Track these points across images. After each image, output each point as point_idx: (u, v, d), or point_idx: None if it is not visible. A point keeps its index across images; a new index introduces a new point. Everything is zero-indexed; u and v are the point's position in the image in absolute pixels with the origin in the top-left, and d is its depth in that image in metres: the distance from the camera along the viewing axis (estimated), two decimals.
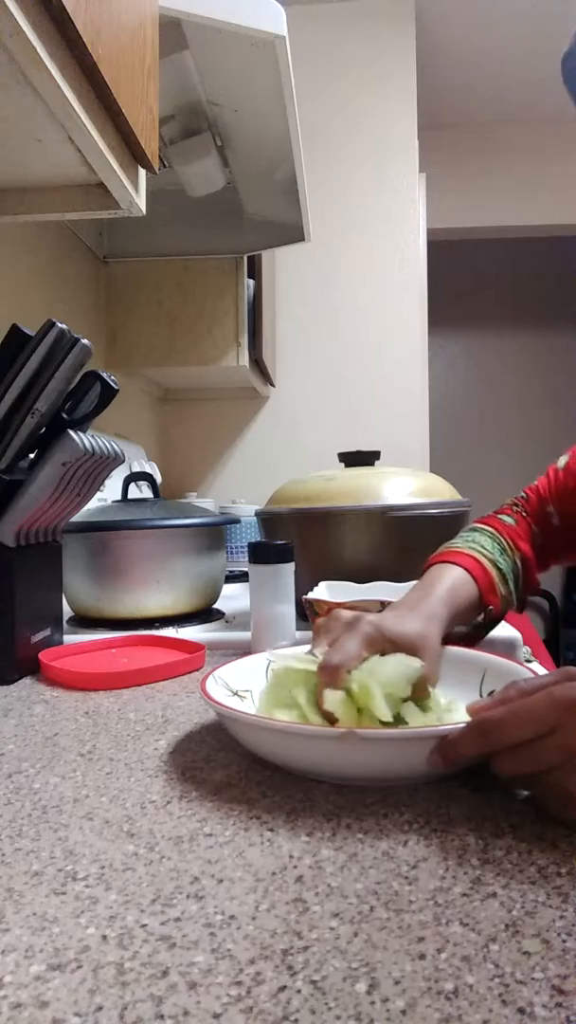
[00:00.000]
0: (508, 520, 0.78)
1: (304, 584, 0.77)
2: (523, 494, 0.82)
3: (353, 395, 2.22)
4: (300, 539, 0.84)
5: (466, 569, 0.68)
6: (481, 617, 0.70)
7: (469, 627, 0.71)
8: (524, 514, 0.80)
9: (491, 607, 0.69)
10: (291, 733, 0.42)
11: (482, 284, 4.02)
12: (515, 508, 0.80)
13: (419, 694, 0.48)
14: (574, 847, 0.35)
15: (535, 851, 0.34)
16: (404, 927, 0.29)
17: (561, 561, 0.80)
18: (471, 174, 3.05)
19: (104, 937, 0.28)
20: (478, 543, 0.73)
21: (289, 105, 1.07)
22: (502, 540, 0.75)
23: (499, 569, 0.71)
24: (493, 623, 0.72)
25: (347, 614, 0.55)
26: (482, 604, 0.68)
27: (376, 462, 1.01)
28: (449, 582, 0.65)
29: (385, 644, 0.51)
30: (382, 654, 0.51)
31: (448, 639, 0.69)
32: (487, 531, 0.76)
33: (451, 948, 0.27)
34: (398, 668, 0.47)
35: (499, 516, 0.79)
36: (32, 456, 0.71)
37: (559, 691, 0.36)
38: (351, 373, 2.22)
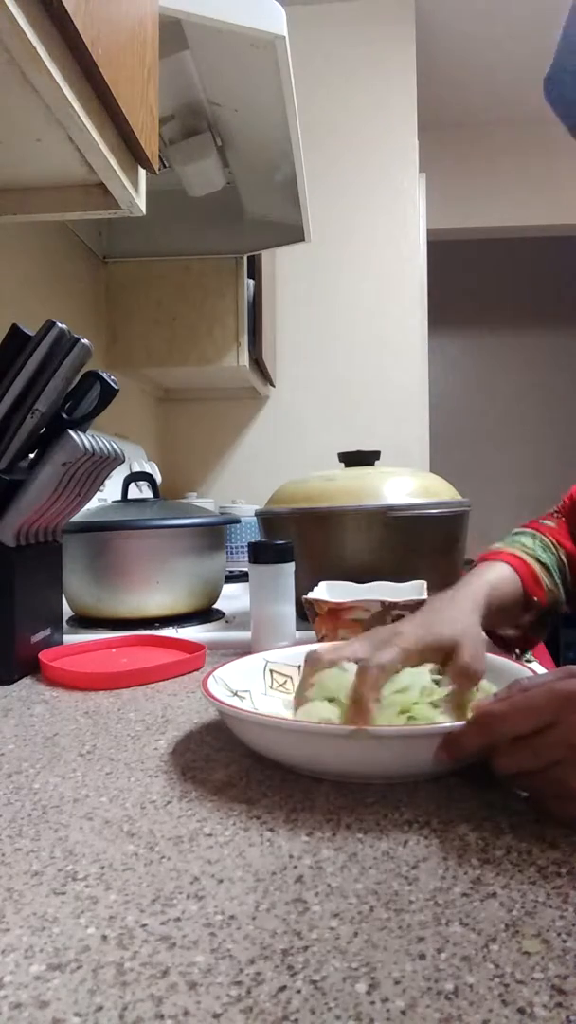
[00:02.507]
0: (549, 523, 0.80)
1: (304, 584, 0.77)
2: (561, 501, 0.83)
3: (353, 395, 2.22)
4: (300, 539, 0.84)
5: (507, 563, 0.69)
6: (531, 613, 0.69)
7: (523, 624, 0.71)
8: (562, 517, 0.81)
9: (536, 598, 0.68)
10: (300, 732, 0.42)
11: (482, 284, 4.02)
12: (554, 514, 0.82)
13: (458, 697, 0.48)
14: (574, 847, 0.35)
15: (535, 851, 0.34)
16: (404, 927, 0.29)
17: None
18: (471, 174, 3.05)
19: (104, 937, 0.28)
20: (518, 542, 0.74)
21: (289, 105, 1.07)
22: (543, 538, 0.76)
23: (541, 563, 0.72)
24: (545, 619, 0.72)
25: (387, 629, 0.54)
26: (526, 597, 0.68)
27: (376, 462, 1.01)
28: (489, 576, 0.65)
29: (421, 655, 0.50)
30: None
31: (504, 643, 0.69)
32: (527, 532, 0.77)
33: (451, 948, 0.27)
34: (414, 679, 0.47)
35: (540, 521, 0.81)
36: (32, 456, 0.71)
37: (559, 685, 0.37)
38: (351, 373, 2.22)
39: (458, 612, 0.57)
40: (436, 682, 0.48)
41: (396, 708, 0.45)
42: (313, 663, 0.51)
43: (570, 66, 0.50)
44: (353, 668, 0.49)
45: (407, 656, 0.50)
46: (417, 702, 0.45)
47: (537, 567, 0.71)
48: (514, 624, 0.69)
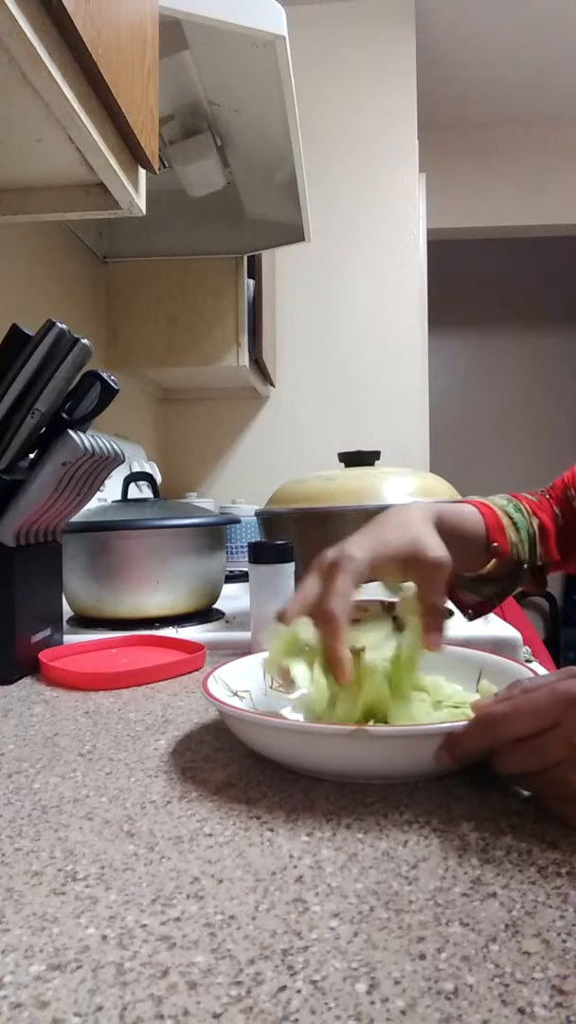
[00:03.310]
0: (530, 496, 0.78)
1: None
2: (550, 484, 0.82)
3: (353, 395, 2.22)
4: (300, 539, 0.84)
5: (472, 506, 0.67)
6: (491, 565, 0.67)
7: (480, 592, 0.69)
8: (547, 497, 0.80)
9: (496, 544, 0.66)
10: (299, 731, 0.42)
11: (482, 284, 4.02)
12: (541, 492, 0.80)
13: (427, 590, 0.48)
14: (574, 847, 0.35)
15: (535, 851, 0.34)
16: (404, 927, 0.29)
17: None
18: (471, 174, 3.05)
19: (104, 937, 0.28)
20: (491, 499, 0.72)
21: (289, 105, 1.07)
22: (519, 503, 0.74)
23: (510, 518, 0.69)
24: (505, 579, 0.69)
25: (329, 555, 0.52)
26: (487, 543, 0.66)
27: (376, 462, 1.01)
28: (455, 508, 0.63)
29: (374, 571, 0.49)
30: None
31: (457, 602, 0.67)
32: (504, 495, 0.75)
33: (451, 948, 0.27)
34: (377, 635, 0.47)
35: (523, 493, 0.79)
36: (32, 456, 0.71)
37: (562, 686, 0.36)
38: (351, 373, 2.22)
39: (408, 518, 0.55)
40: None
41: (380, 675, 0.45)
42: (284, 619, 0.49)
43: None
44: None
45: (360, 576, 0.48)
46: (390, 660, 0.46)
47: (504, 519, 0.68)
48: (470, 566, 0.67)
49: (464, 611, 0.71)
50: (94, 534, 0.88)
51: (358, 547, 0.51)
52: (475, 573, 0.67)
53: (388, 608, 0.70)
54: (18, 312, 1.19)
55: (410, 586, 0.51)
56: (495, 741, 0.38)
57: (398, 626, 0.50)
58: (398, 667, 0.47)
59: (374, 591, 0.79)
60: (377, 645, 0.47)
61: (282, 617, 0.49)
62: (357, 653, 0.45)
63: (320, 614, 0.47)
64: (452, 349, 4.00)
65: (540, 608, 3.86)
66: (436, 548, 0.51)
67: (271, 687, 0.57)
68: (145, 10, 0.78)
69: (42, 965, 0.27)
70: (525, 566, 0.71)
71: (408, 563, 0.51)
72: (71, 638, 0.81)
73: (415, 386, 2.23)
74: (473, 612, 0.71)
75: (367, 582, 0.49)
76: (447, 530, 0.58)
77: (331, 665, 0.46)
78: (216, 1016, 0.24)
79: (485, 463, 3.93)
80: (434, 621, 0.49)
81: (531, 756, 0.37)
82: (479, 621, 0.86)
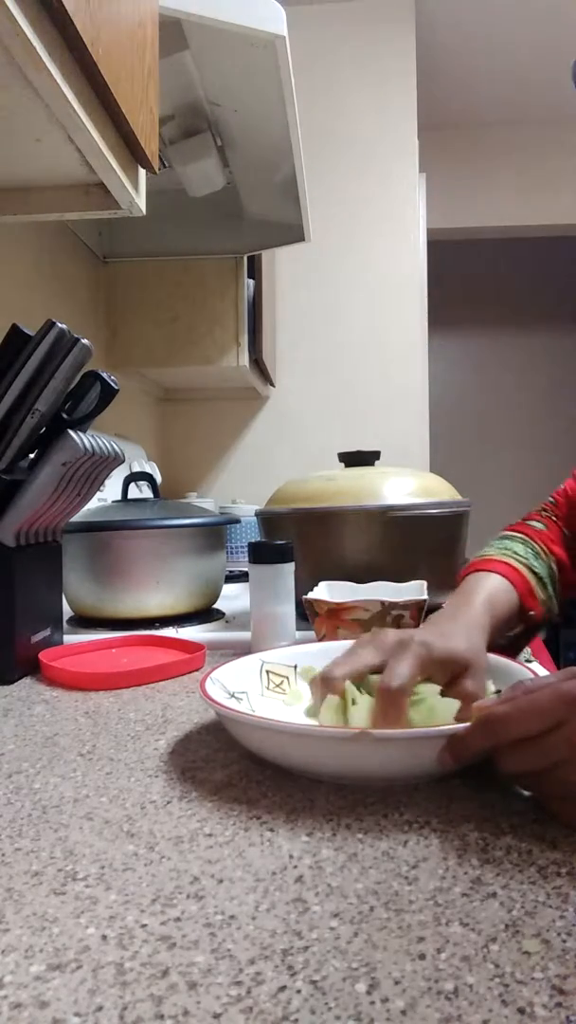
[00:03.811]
0: (538, 525, 0.78)
1: (304, 584, 0.77)
2: (551, 499, 0.81)
3: (353, 395, 2.22)
4: (300, 539, 0.84)
5: (503, 576, 0.67)
6: (521, 627, 0.68)
7: (511, 636, 0.69)
8: (554, 518, 0.79)
9: (532, 612, 0.67)
10: (302, 735, 0.42)
11: (482, 284, 4.02)
12: (544, 513, 0.80)
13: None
14: (574, 847, 0.35)
15: (535, 851, 0.34)
16: (404, 927, 0.29)
17: None
18: (471, 174, 3.05)
19: (104, 937, 0.28)
20: (511, 549, 0.72)
21: (289, 105, 1.07)
22: (535, 545, 0.74)
23: (535, 574, 0.70)
24: (535, 630, 0.71)
25: (395, 633, 0.51)
26: (522, 610, 0.67)
27: (376, 462, 1.01)
28: (488, 591, 0.64)
29: (436, 666, 0.49)
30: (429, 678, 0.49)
31: (490, 649, 0.68)
32: (519, 537, 0.75)
33: (451, 948, 0.27)
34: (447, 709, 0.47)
35: (528, 522, 0.79)
36: (32, 456, 0.71)
37: (565, 687, 0.36)
38: (351, 373, 2.22)
39: (466, 629, 0.55)
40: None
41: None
42: (328, 686, 0.48)
43: None
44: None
45: (422, 664, 0.48)
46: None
47: (532, 579, 0.69)
48: (506, 633, 0.68)
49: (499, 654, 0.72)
50: (94, 534, 0.88)
51: (422, 643, 0.49)
52: (509, 635, 0.69)
53: (388, 608, 0.70)
54: (18, 312, 1.19)
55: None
56: (498, 741, 0.38)
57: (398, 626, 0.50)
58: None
59: (375, 591, 0.79)
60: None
61: (329, 681, 0.48)
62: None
63: (386, 693, 0.45)
64: (452, 349, 4.00)
65: None
66: (478, 679, 0.50)
67: (268, 688, 0.57)
68: (145, 10, 0.78)
69: (42, 965, 0.27)
70: (555, 611, 0.72)
71: (461, 672, 0.51)
72: (71, 638, 0.81)
73: (415, 386, 2.22)
74: (508, 653, 0.72)
75: (425, 675, 0.49)
76: (500, 623, 0.61)
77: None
78: (216, 1016, 0.24)
79: (485, 463, 3.93)
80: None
81: (533, 756, 0.37)
82: None
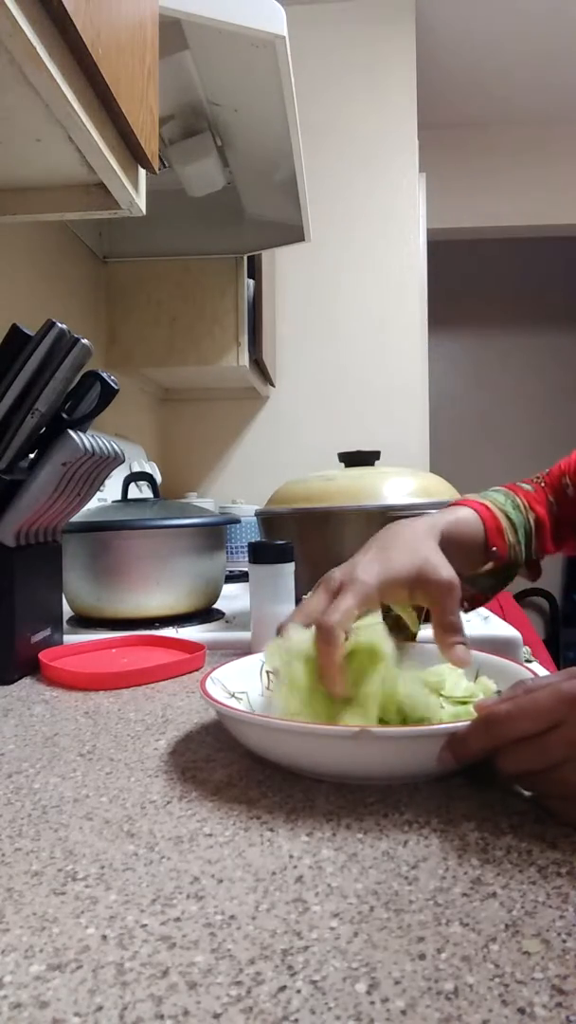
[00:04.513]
0: (526, 487, 0.78)
1: (304, 584, 0.77)
2: (546, 470, 0.82)
3: (353, 395, 2.22)
4: (300, 539, 0.84)
5: (471, 508, 0.67)
6: (489, 566, 0.68)
7: (477, 585, 0.69)
8: (543, 484, 0.79)
9: (495, 548, 0.67)
10: (300, 733, 0.42)
11: (482, 284, 4.02)
12: (535, 479, 0.80)
13: (443, 617, 0.49)
14: (574, 847, 0.35)
15: (535, 851, 0.34)
16: (404, 927, 0.29)
17: None
18: (471, 174, 3.05)
19: (104, 937, 0.28)
20: (490, 496, 0.72)
21: (289, 105, 1.07)
22: (516, 498, 0.74)
23: (509, 519, 0.70)
24: (499, 580, 0.70)
25: (339, 572, 0.52)
26: (487, 546, 0.66)
27: (376, 462, 1.01)
28: (450, 515, 0.64)
29: (381, 595, 0.50)
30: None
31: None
32: (502, 490, 0.75)
33: (451, 948, 0.27)
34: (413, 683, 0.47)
35: (519, 484, 0.79)
36: (32, 456, 0.71)
37: (566, 686, 0.36)
38: (351, 373, 2.22)
39: (413, 537, 0.55)
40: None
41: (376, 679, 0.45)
42: (278, 632, 0.50)
43: None
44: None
45: (367, 599, 0.49)
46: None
47: (503, 520, 0.69)
48: (470, 570, 0.67)
49: (460, 604, 0.71)
50: (94, 534, 0.88)
51: (366, 572, 0.51)
52: (473, 572, 0.68)
53: (386, 609, 0.70)
54: (18, 312, 1.19)
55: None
56: (498, 741, 0.38)
57: (396, 625, 0.50)
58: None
59: None
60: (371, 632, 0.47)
61: (281, 629, 0.50)
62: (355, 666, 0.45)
63: (319, 628, 0.47)
64: (452, 349, 4.00)
65: (540, 608, 3.86)
66: (444, 570, 0.51)
67: (268, 688, 0.57)
68: (145, 10, 0.78)
69: (42, 965, 0.27)
70: (522, 561, 0.72)
71: (416, 586, 0.52)
72: (71, 638, 0.81)
73: (415, 386, 2.22)
74: (469, 605, 0.71)
75: (374, 608, 0.50)
76: (451, 544, 0.59)
77: (324, 677, 0.46)
78: (216, 1016, 0.24)
79: (485, 463, 3.93)
80: (455, 638, 0.50)
81: (534, 756, 0.37)
82: (479, 621, 0.87)
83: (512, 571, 0.71)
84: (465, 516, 0.65)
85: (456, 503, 0.70)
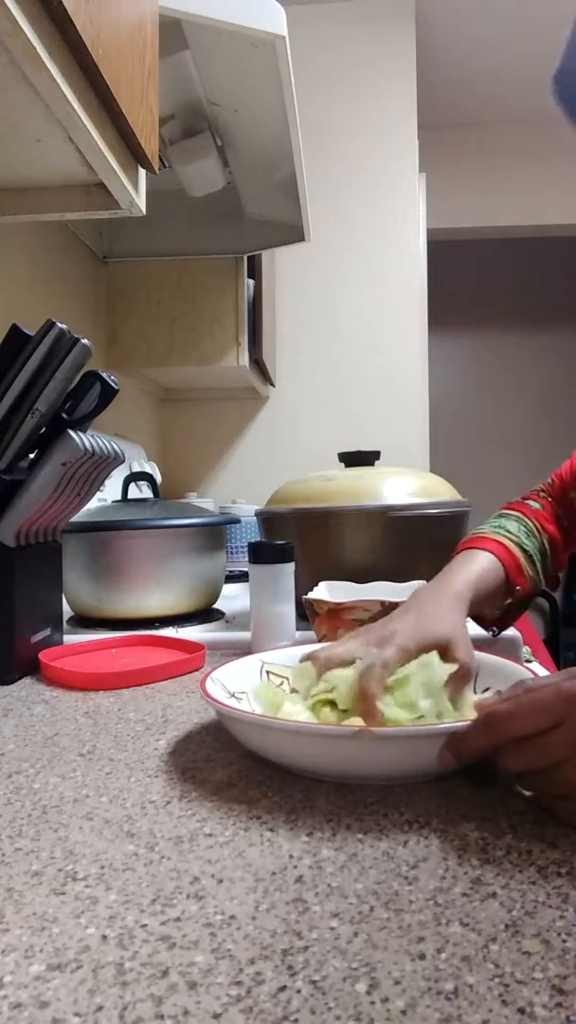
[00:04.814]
0: (535, 505, 0.80)
1: (304, 584, 0.77)
2: (549, 480, 0.84)
3: (353, 395, 2.22)
4: (300, 539, 0.84)
5: (491, 552, 0.70)
6: (509, 600, 0.71)
7: (501, 608, 0.72)
8: (549, 498, 0.81)
9: (519, 587, 0.70)
10: (300, 733, 0.42)
11: (482, 284, 4.02)
12: (541, 493, 0.82)
13: (455, 692, 0.49)
14: (574, 847, 0.35)
15: (535, 851, 0.34)
16: (404, 927, 0.29)
17: None
18: (471, 174, 3.05)
19: (104, 937, 0.28)
20: (503, 527, 0.75)
21: (289, 105, 1.07)
22: (528, 523, 0.77)
23: (525, 551, 0.73)
24: (523, 604, 0.74)
25: (379, 627, 0.55)
26: (509, 585, 0.70)
27: (376, 462, 1.01)
28: (475, 566, 0.67)
29: (417, 652, 0.51)
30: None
31: (480, 620, 0.70)
32: (513, 515, 0.77)
33: (451, 948, 0.27)
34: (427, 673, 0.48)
35: (526, 502, 0.81)
36: (32, 456, 0.71)
37: (566, 686, 0.37)
38: (351, 373, 2.22)
39: (446, 609, 0.58)
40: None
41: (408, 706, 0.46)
42: (317, 663, 0.52)
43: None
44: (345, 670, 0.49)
45: (406, 655, 0.51)
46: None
47: (521, 556, 0.72)
48: (494, 607, 0.71)
49: (487, 628, 0.75)
50: (94, 534, 0.88)
51: (404, 635, 0.53)
52: (499, 607, 0.72)
53: (388, 608, 0.70)
54: (18, 312, 1.19)
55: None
56: (499, 740, 0.38)
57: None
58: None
59: (375, 591, 0.79)
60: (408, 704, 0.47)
61: (312, 659, 0.52)
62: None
63: (367, 668, 0.48)
64: (452, 349, 4.00)
65: (540, 608, 3.86)
66: (465, 651, 0.53)
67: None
68: (145, 10, 0.78)
69: (42, 965, 0.27)
70: (541, 586, 0.76)
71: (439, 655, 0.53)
72: (71, 638, 0.81)
73: (415, 386, 2.22)
74: (498, 629, 0.75)
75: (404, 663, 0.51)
76: (477, 600, 0.63)
77: (361, 703, 0.47)
78: (216, 1016, 0.24)
79: (485, 463, 3.93)
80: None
81: (535, 755, 0.37)
82: None
83: (534, 596, 0.75)
84: (485, 565, 0.68)
85: (472, 543, 0.72)
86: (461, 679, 0.50)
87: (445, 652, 0.52)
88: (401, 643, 0.51)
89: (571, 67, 0.49)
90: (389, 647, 0.51)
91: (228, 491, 2.22)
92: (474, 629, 0.72)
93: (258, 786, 0.43)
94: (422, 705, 0.46)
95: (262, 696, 0.52)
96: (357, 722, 0.45)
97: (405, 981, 0.25)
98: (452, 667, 0.49)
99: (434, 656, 0.49)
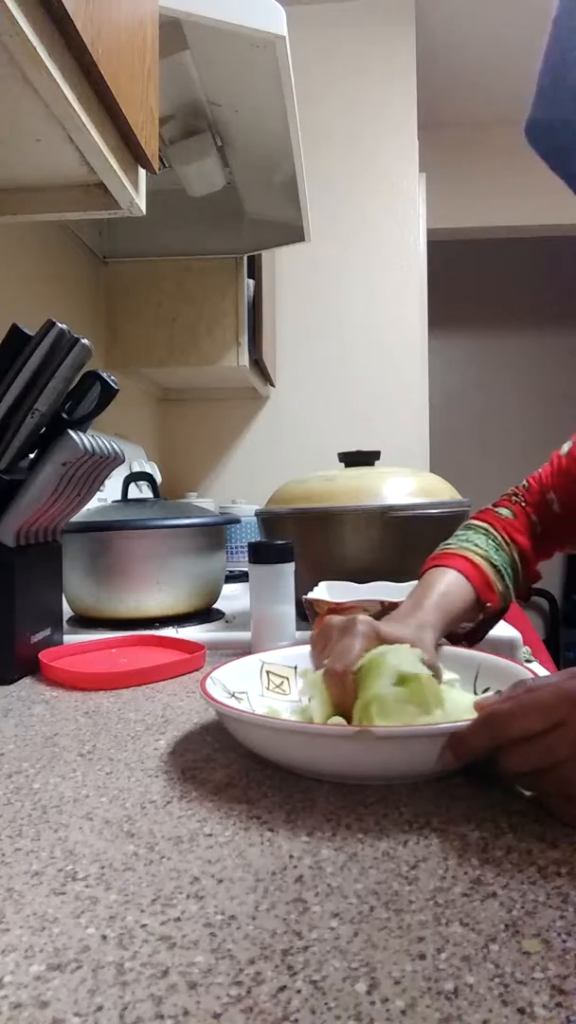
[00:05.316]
0: (505, 513, 0.78)
1: (304, 584, 0.77)
2: (525, 483, 0.81)
3: (353, 395, 2.22)
4: (300, 539, 0.84)
5: (459, 571, 0.68)
6: (481, 616, 0.70)
7: (470, 627, 0.71)
8: (523, 504, 0.79)
9: (489, 604, 0.69)
10: (300, 733, 0.42)
11: (482, 284, 4.02)
12: (514, 499, 0.80)
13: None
14: (574, 847, 0.35)
15: (535, 851, 0.34)
16: (404, 927, 0.29)
17: (564, 548, 0.80)
18: (471, 174, 3.05)
19: (104, 937, 0.28)
20: (471, 542, 0.73)
21: (289, 105, 1.07)
22: (497, 536, 0.75)
23: (494, 566, 0.71)
24: (494, 620, 0.73)
25: (339, 619, 0.56)
26: (479, 603, 0.69)
27: (376, 462, 1.01)
28: (443, 587, 0.66)
29: (381, 643, 0.52)
30: None
31: (451, 637, 0.70)
32: (481, 528, 0.75)
33: (451, 948, 0.27)
34: (405, 653, 0.49)
35: (496, 510, 0.79)
36: (32, 456, 0.71)
37: (567, 685, 0.37)
38: (351, 373, 2.22)
39: (416, 630, 0.58)
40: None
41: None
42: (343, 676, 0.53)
43: (560, 112, 0.43)
44: None
45: (369, 645, 0.52)
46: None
47: (490, 572, 0.70)
48: (464, 624, 0.71)
49: (458, 643, 0.73)
50: (94, 534, 0.88)
51: (370, 621, 0.54)
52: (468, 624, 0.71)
53: (388, 608, 0.70)
54: (18, 312, 1.19)
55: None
56: (500, 739, 0.38)
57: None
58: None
59: (375, 591, 0.79)
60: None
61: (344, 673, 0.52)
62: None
63: (328, 671, 0.50)
64: (452, 349, 4.00)
65: (540, 608, 3.86)
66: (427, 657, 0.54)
67: (268, 688, 0.57)
68: (145, 10, 0.78)
69: (42, 965, 0.27)
70: (512, 599, 0.74)
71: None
72: (71, 638, 0.81)
73: (415, 386, 2.22)
74: (468, 644, 0.73)
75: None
76: (447, 623, 0.63)
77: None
78: (216, 1016, 0.24)
79: (485, 463, 3.93)
80: None
81: (535, 754, 0.37)
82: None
83: (504, 611, 0.74)
84: (453, 584, 0.67)
85: (440, 560, 0.71)
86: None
87: None
88: (364, 630, 0.52)
89: (545, 116, 0.44)
90: (350, 638, 0.52)
91: (228, 491, 2.22)
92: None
93: (258, 786, 0.43)
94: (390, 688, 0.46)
95: (314, 685, 0.51)
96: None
97: (405, 981, 0.25)
98: (419, 652, 0.49)
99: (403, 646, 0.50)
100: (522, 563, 0.75)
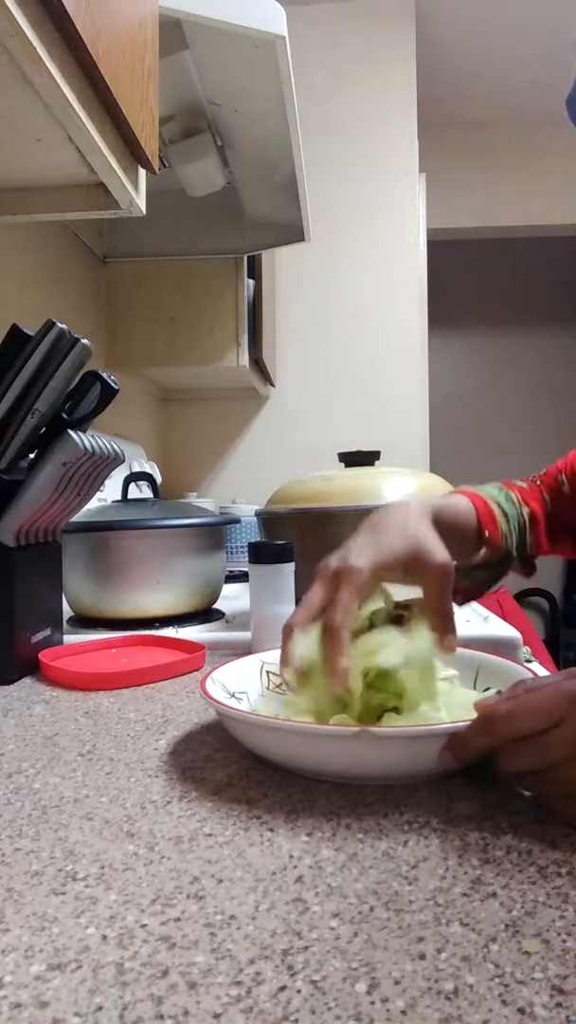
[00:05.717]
0: (521, 484, 0.78)
1: (304, 584, 0.77)
2: (544, 471, 0.82)
3: (353, 395, 2.22)
4: (300, 539, 0.84)
5: (464, 496, 0.67)
6: (482, 552, 0.67)
7: (471, 578, 0.69)
8: (539, 482, 0.79)
9: (489, 533, 0.66)
10: (300, 733, 0.42)
11: (482, 284, 4.02)
12: (530, 478, 0.80)
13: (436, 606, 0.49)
14: (574, 847, 0.35)
15: (535, 851, 0.34)
16: (404, 927, 0.29)
17: (567, 541, 0.79)
18: (471, 174, 3.05)
19: (104, 937, 0.28)
20: (483, 489, 0.72)
21: (289, 105, 1.07)
22: (510, 492, 0.74)
23: (501, 509, 0.69)
24: (495, 568, 0.70)
25: (332, 563, 0.52)
26: (479, 532, 0.66)
27: (376, 462, 1.01)
28: (444, 499, 0.64)
29: (378, 578, 0.50)
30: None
31: (456, 592, 0.67)
32: (496, 484, 0.75)
33: (451, 948, 0.27)
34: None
35: (513, 481, 0.79)
36: (32, 456, 0.71)
37: (566, 685, 0.37)
38: (351, 373, 2.22)
39: (406, 518, 0.54)
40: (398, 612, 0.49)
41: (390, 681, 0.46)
42: (286, 633, 0.50)
43: None
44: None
45: (364, 588, 0.49)
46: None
47: (496, 509, 0.68)
48: (464, 559, 0.67)
49: (454, 597, 0.71)
50: (94, 534, 0.88)
51: (360, 556, 0.50)
52: (467, 564, 0.68)
53: (398, 607, 0.70)
54: (18, 312, 1.19)
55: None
56: (499, 740, 0.38)
57: (403, 624, 0.50)
58: (412, 673, 0.47)
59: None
60: (386, 646, 0.47)
61: (288, 628, 0.49)
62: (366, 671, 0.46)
63: (324, 627, 0.47)
64: (452, 349, 4.00)
65: (540, 608, 3.86)
66: (439, 552, 0.51)
67: (268, 688, 0.57)
68: (145, 10, 0.78)
69: (42, 965, 0.27)
70: (515, 554, 0.71)
71: (410, 567, 0.51)
72: (71, 638, 0.81)
73: (415, 386, 2.23)
74: (463, 598, 0.71)
75: (371, 592, 0.50)
76: (443, 526, 0.58)
77: (331, 676, 0.46)
78: (216, 1016, 0.24)
79: (485, 463, 3.93)
80: (446, 624, 0.49)
81: (535, 754, 0.37)
82: (479, 621, 0.87)
83: (506, 565, 0.71)
84: (458, 503, 0.65)
85: (449, 493, 0.70)
86: (440, 581, 0.48)
87: (409, 565, 0.50)
88: (355, 580, 0.48)
89: None
90: (343, 590, 0.48)
91: (228, 491, 2.22)
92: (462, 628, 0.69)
93: (258, 786, 0.43)
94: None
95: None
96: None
97: (405, 981, 0.25)
98: (430, 637, 0.48)
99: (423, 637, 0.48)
100: (531, 526, 0.73)
